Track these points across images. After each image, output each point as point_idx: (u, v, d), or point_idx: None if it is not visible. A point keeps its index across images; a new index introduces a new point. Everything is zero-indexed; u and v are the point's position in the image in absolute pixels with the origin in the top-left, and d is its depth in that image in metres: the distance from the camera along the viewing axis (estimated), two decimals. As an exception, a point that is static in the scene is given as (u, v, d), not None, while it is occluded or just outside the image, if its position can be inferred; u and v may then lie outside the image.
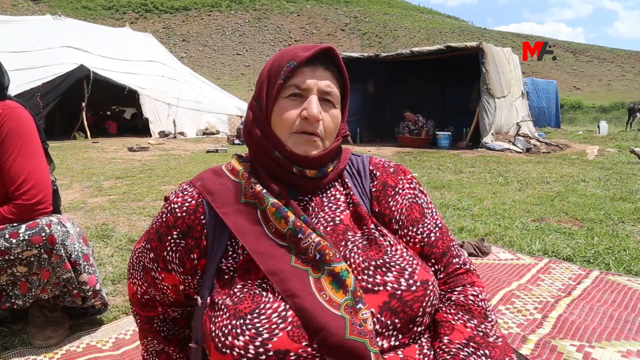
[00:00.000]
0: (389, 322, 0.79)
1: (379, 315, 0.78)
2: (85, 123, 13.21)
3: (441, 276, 0.93)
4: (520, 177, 5.64)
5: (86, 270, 1.66)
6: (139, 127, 15.57)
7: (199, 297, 0.89)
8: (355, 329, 0.74)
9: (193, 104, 15.16)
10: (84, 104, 13.06)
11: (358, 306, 0.77)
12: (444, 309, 0.89)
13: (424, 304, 0.82)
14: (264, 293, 0.80)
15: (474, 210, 3.82)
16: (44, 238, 1.52)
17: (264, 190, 0.88)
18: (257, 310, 0.77)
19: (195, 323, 0.91)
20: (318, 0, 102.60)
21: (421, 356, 0.81)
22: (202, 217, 0.90)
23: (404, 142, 10.37)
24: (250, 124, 0.93)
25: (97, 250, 2.83)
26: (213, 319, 0.80)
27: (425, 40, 78.35)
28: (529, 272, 2.38)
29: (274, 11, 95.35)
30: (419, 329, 0.83)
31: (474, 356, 0.81)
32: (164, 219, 0.92)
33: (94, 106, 15.30)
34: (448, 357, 0.80)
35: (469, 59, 10.10)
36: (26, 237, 1.50)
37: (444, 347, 0.82)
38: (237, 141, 12.42)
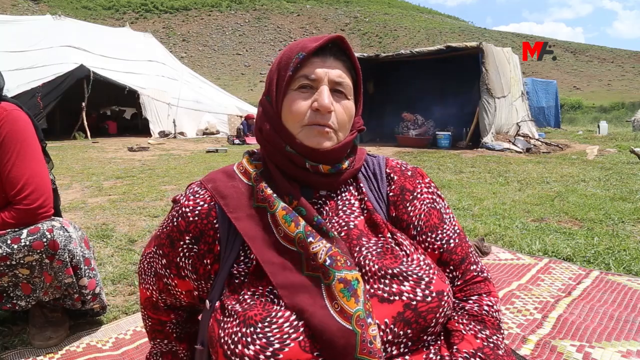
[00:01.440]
0: (401, 332, 0.77)
1: (392, 326, 0.76)
2: (85, 123, 13.21)
3: (458, 283, 0.92)
4: (520, 177, 5.64)
5: (86, 275, 1.66)
6: (139, 127, 15.57)
7: (207, 301, 0.88)
8: (365, 347, 0.71)
9: (193, 104, 15.17)
10: (84, 104, 13.07)
11: (368, 320, 0.74)
12: (456, 317, 0.87)
13: (438, 315, 0.80)
14: (276, 300, 0.78)
15: (474, 210, 3.82)
16: (45, 243, 1.51)
17: (275, 195, 0.85)
18: (268, 319, 0.75)
19: (202, 325, 0.90)
20: (318, 0, 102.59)
21: None
22: (215, 221, 0.87)
23: (403, 142, 10.37)
24: (260, 120, 0.90)
25: (97, 250, 2.83)
26: (222, 325, 0.78)
27: (425, 40, 78.37)
28: (529, 272, 2.38)
29: (274, 11, 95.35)
30: (430, 338, 0.82)
31: None
32: (175, 223, 0.89)
33: (94, 106, 15.31)
34: None
35: (469, 59, 10.09)
36: (27, 243, 1.49)
37: (452, 356, 0.81)
38: (237, 141, 12.42)
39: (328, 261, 0.78)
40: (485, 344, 0.83)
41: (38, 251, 1.51)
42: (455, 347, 0.82)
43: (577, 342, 1.62)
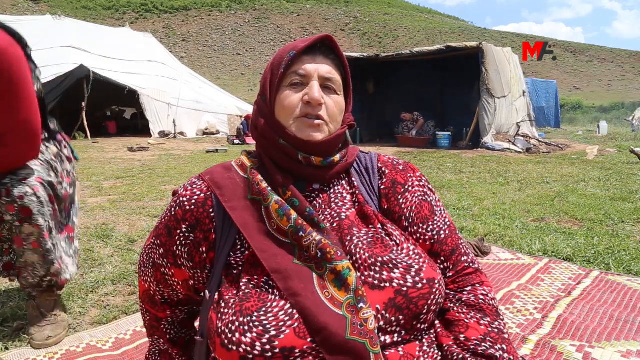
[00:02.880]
0: (393, 318, 0.79)
1: (383, 312, 0.78)
2: (85, 123, 13.21)
3: (450, 274, 0.94)
4: (520, 177, 5.64)
5: (42, 221, 1.63)
6: (139, 127, 15.57)
7: (207, 292, 0.90)
8: (355, 329, 0.74)
9: (193, 104, 15.17)
10: (84, 104, 13.06)
11: (359, 305, 0.76)
12: (455, 309, 0.89)
13: (429, 302, 0.82)
14: (271, 290, 0.81)
15: (474, 210, 3.82)
16: (16, 208, 1.55)
17: (269, 188, 0.89)
18: (264, 308, 0.77)
19: (201, 317, 0.91)
20: (318, 0, 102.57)
21: (421, 353, 0.81)
22: (210, 210, 0.90)
23: (404, 142, 10.37)
24: (255, 117, 0.95)
25: (97, 251, 2.83)
26: (220, 315, 0.80)
27: (425, 40, 78.29)
28: (529, 272, 2.38)
29: (274, 11, 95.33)
30: (423, 326, 0.83)
31: (492, 350, 0.81)
32: (173, 213, 0.93)
33: (94, 106, 15.30)
34: (467, 354, 0.81)
35: (469, 59, 10.09)
36: (4, 203, 1.56)
37: (461, 344, 0.83)
38: (237, 141, 12.42)
39: (319, 254, 0.81)
40: (490, 329, 0.85)
41: (11, 213, 1.56)
42: (462, 335, 0.84)
43: (577, 342, 1.62)
